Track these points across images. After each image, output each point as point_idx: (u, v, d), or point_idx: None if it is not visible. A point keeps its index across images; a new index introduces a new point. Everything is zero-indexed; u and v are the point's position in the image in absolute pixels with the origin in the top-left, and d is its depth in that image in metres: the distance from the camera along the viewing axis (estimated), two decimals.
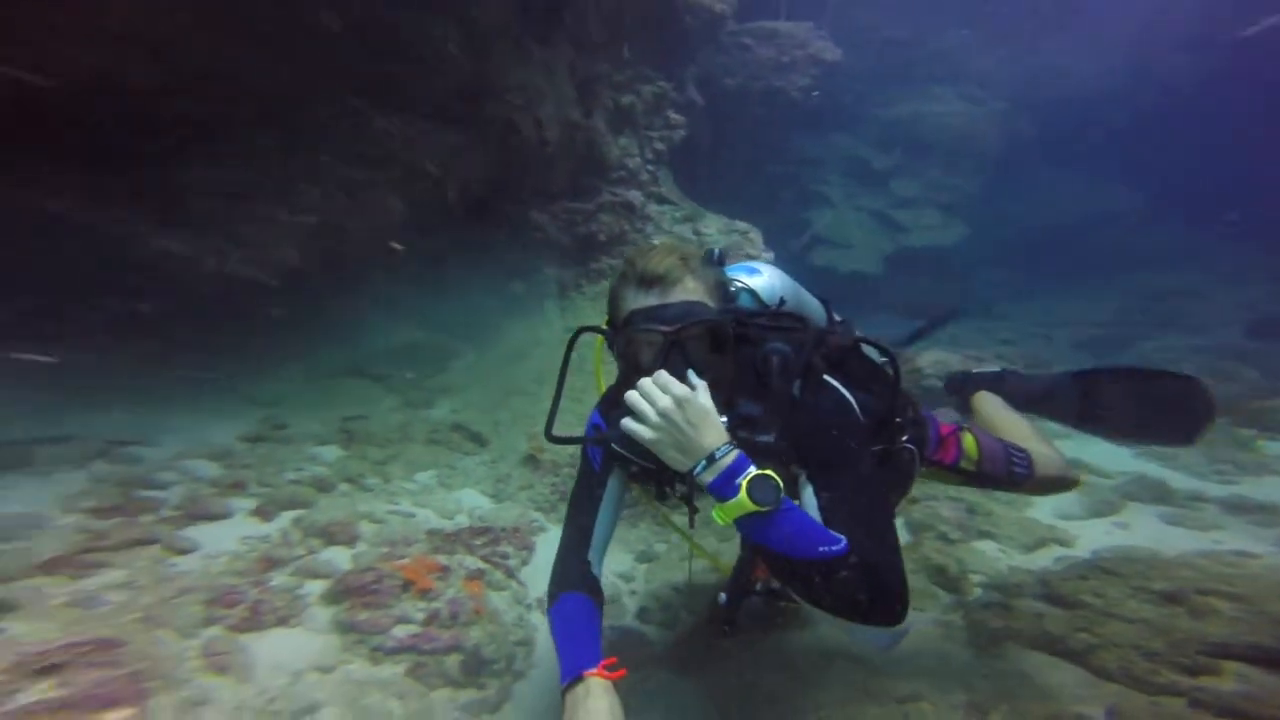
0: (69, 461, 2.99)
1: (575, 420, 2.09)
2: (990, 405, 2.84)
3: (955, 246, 11.11)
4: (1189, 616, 2.34)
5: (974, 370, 3.12)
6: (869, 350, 1.98)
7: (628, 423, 1.39)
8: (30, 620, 1.75)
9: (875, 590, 1.32)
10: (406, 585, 2.35)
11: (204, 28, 3.45)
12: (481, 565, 2.64)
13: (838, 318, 2.13)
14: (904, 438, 1.93)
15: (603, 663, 1.52)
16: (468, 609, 2.28)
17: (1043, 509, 3.62)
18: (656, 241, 1.69)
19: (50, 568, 2.14)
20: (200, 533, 2.65)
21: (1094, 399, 2.72)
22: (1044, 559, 3.26)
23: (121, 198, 3.89)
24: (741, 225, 6.96)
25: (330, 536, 2.77)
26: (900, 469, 1.93)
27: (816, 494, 1.51)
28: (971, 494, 3.83)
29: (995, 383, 2.95)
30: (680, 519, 2.07)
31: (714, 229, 6.99)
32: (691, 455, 1.37)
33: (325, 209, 4.36)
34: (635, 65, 6.47)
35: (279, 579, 2.41)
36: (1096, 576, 2.81)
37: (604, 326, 1.66)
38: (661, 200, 6.92)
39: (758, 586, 1.93)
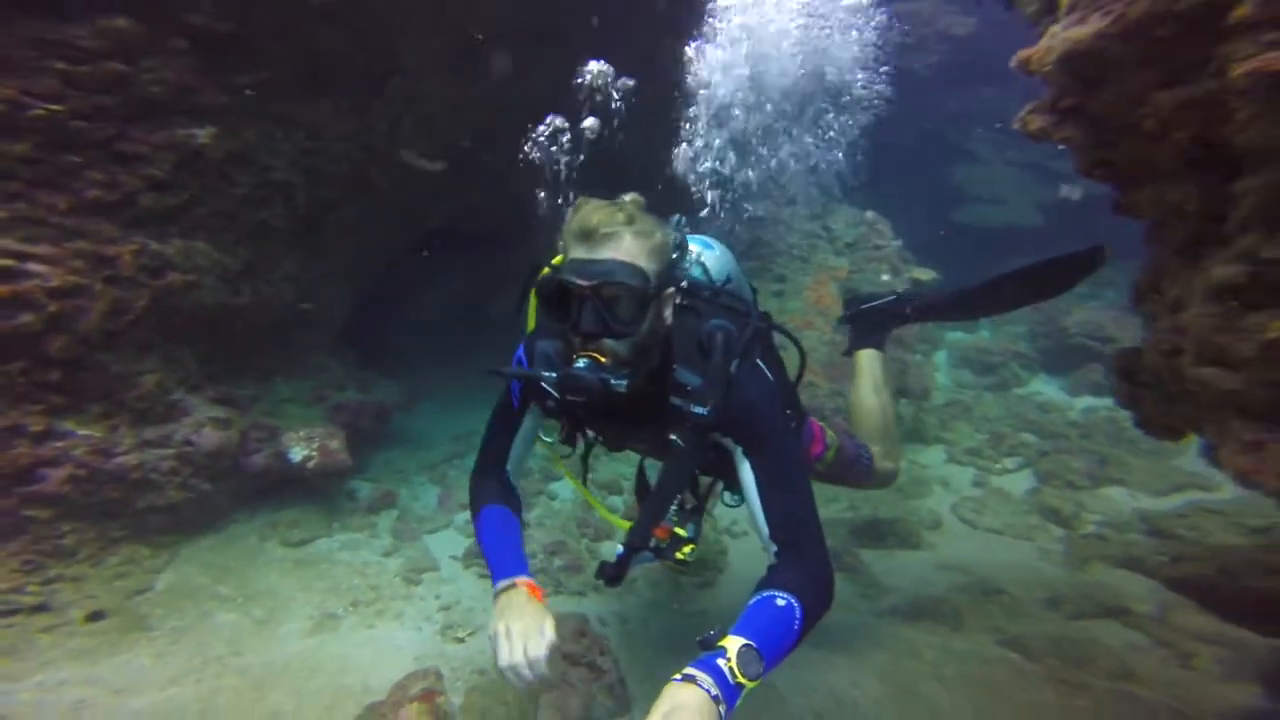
0: None
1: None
2: (869, 370, 2.81)
3: None
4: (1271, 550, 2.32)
5: (864, 304, 2.97)
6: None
7: None
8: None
9: (825, 603, 1.59)
10: None
11: None
12: None
13: (761, 308, 2.20)
14: (793, 424, 2.10)
15: (530, 581, 1.64)
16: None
17: (1191, 456, 3.66)
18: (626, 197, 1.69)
19: None
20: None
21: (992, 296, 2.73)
22: (1174, 502, 3.32)
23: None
24: (870, 216, 7.67)
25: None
26: None
27: (754, 471, 1.64)
28: (1106, 446, 4.00)
29: (896, 313, 2.86)
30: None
31: (841, 223, 7.94)
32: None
33: None
34: None
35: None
36: (1197, 515, 3.06)
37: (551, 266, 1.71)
38: (791, 202, 8.05)
39: (652, 544, 1.88)
